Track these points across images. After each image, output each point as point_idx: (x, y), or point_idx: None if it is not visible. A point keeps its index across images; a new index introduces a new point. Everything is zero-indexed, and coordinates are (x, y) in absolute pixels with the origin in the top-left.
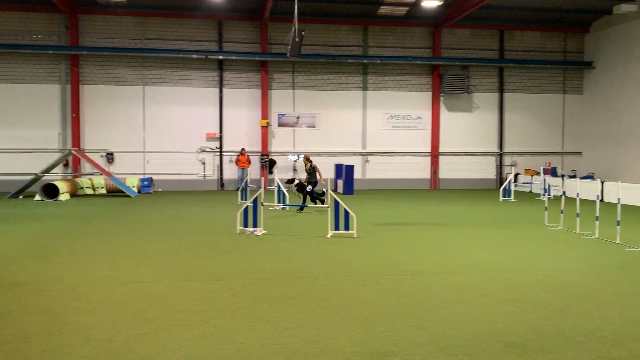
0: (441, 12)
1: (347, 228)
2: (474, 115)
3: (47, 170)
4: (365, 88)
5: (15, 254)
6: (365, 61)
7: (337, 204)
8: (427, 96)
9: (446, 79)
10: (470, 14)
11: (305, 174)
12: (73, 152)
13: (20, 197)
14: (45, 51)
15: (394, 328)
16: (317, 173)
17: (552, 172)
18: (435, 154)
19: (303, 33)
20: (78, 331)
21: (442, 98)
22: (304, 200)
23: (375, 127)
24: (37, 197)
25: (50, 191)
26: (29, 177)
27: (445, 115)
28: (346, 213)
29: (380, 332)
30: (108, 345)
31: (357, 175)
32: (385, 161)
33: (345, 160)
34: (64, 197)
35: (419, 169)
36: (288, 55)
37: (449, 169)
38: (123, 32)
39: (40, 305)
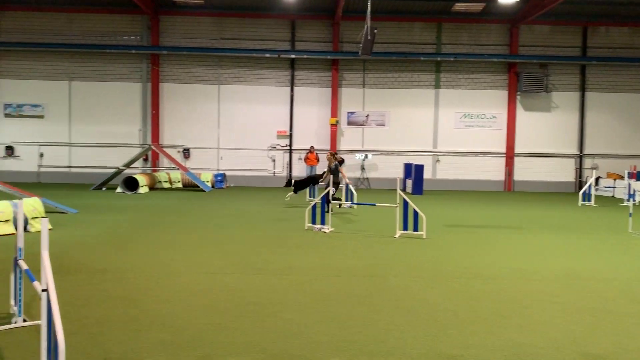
0: (519, 8)
1: (416, 229)
2: (552, 115)
3: (128, 164)
4: (437, 86)
5: (99, 242)
6: (439, 59)
7: (406, 204)
8: (502, 95)
9: (523, 78)
10: (551, 9)
11: (327, 172)
12: (152, 147)
13: (104, 189)
14: (129, 51)
15: (463, 332)
16: (339, 172)
17: (638, 176)
18: (510, 155)
19: (375, 31)
20: (155, 318)
21: (518, 97)
22: (328, 204)
23: (447, 126)
24: (119, 190)
25: (131, 184)
26: (112, 170)
27: (521, 114)
28: (415, 213)
29: (449, 336)
30: (183, 333)
31: (427, 175)
32: (457, 161)
33: (415, 160)
34: (143, 190)
35: (493, 170)
36: (360, 54)
37: (525, 171)
38: (200, 32)
39: (121, 292)
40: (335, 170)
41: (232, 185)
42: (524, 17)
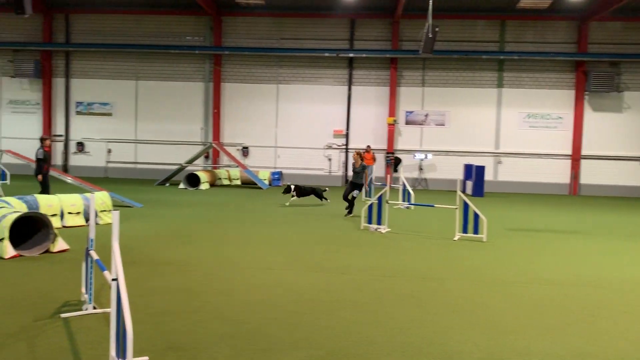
0: (589, 5)
1: (476, 231)
2: (624, 115)
3: (190, 161)
4: (500, 85)
5: (162, 235)
6: (502, 57)
7: (466, 205)
8: (569, 95)
9: (592, 77)
10: (623, 5)
11: (352, 172)
12: (213, 145)
13: (167, 184)
14: (192, 51)
15: (525, 338)
16: (365, 174)
17: None
18: (576, 157)
19: (437, 29)
20: (216, 310)
21: (586, 97)
22: (351, 209)
23: (510, 127)
24: (181, 186)
25: (193, 180)
26: (175, 167)
27: (589, 115)
28: (476, 216)
29: (510, 341)
30: (242, 326)
31: (488, 176)
32: (520, 163)
33: (476, 161)
34: (204, 186)
35: (558, 173)
36: (420, 52)
37: (593, 174)
38: (261, 33)
39: (183, 284)
40: (362, 171)
41: (288, 183)
42: (594, 14)
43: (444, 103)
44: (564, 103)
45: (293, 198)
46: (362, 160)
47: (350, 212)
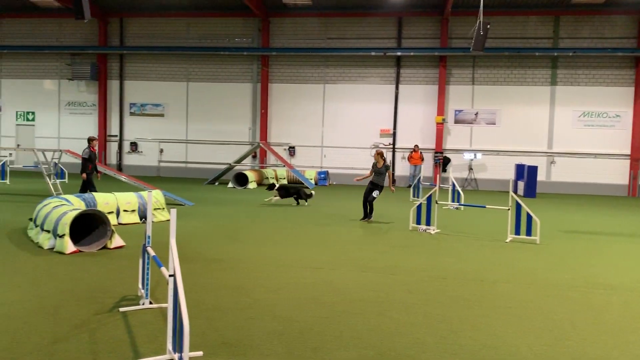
0: None
1: (529, 233)
2: None
3: (238, 161)
4: (554, 83)
5: (213, 233)
6: (556, 54)
7: (518, 206)
8: (628, 92)
9: None
10: None
11: (372, 172)
12: (261, 145)
13: (216, 183)
14: (241, 53)
15: (583, 344)
16: (387, 175)
17: None
18: (636, 158)
19: (488, 26)
20: (266, 308)
21: None
22: (371, 212)
23: (563, 126)
24: (230, 185)
25: (241, 180)
26: (224, 166)
27: None
28: (529, 217)
29: (567, 347)
30: (292, 324)
31: (540, 177)
32: (574, 163)
33: (528, 161)
34: (252, 185)
35: (615, 173)
36: (471, 50)
37: None
38: (308, 33)
39: (234, 281)
40: (384, 171)
41: (334, 183)
42: None
43: (495, 101)
44: (622, 101)
45: (276, 198)
46: (384, 159)
47: (368, 217)
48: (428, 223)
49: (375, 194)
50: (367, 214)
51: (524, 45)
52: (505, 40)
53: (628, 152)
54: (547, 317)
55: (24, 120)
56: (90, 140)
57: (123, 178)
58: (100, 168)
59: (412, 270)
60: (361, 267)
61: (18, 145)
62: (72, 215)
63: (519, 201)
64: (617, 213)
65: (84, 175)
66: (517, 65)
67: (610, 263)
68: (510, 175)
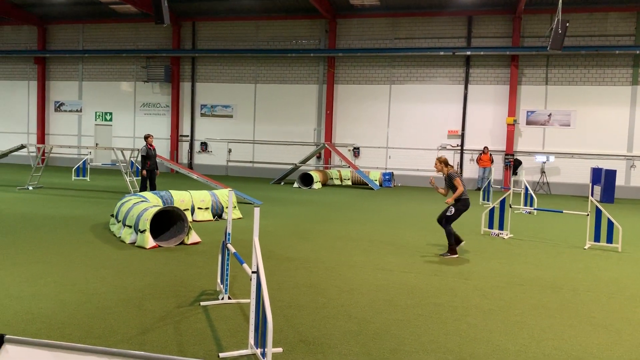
0: None
1: (609, 240)
2: None
3: (304, 161)
4: (635, 82)
5: (283, 232)
6: (638, 52)
7: (598, 212)
8: None
9: None
10: None
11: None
12: (326, 145)
13: (282, 183)
14: (307, 54)
15: None
16: (455, 184)
17: None
18: None
19: (567, 24)
20: (340, 307)
21: None
22: (448, 237)
23: None
24: (295, 185)
25: (306, 180)
26: (289, 167)
27: None
28: (610, 223)
29: None
30: (368, 325)
31: (618, 181)
32: None
33: (605, 164)
34: (317, 185)
35: None
36: (548, 49)
37: None
38: (374, 33)
39: (307, 280)
40: (450, 181)
41: (399, 184)
42: None
43: (570, 102)
44: None
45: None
46: (447, 167)
47: (449, 252)
48: (501, 227)
49: (449, 212)
50: (451, 241)
51: (602, 43)
52: (582, 38)
53: None
54: (636, 329)
55: (102, 120)
56: (146, 137)
57: (195, 176)
58: (172, 166)
59: (487, 275)
60: (433, 270)
61: (97, 144)
62: (152, 211)
63: (599, 206)
64: None
65: (144, 172)
66: (594, 65)
67: None
68: (585, 179)
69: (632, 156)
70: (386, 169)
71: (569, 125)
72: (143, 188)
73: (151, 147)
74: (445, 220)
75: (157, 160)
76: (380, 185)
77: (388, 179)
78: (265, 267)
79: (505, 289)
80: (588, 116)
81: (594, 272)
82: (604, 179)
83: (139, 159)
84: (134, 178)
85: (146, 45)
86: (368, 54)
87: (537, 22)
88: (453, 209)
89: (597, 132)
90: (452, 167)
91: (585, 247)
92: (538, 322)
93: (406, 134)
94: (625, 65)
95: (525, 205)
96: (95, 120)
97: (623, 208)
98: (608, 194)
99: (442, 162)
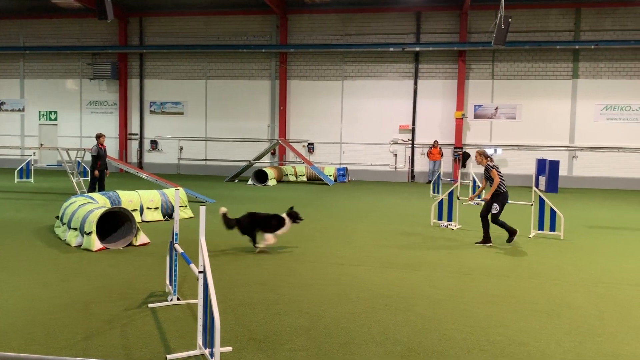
0: None
1: (552, 229)
2: None
3: (258, 158)
4: (575, 76)
5: (236, 230)
6: (577, 47)
7: (542, 201)
8: None
9: None
10: None
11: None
12: (280, 142)
13: (236, 180)
14: (259, 50)
15: (613, 340)
16: (492, 176)
17: None
18: None
19: (510, 20)
20: (292, 303)
21: None
22: (508, 229)
23: (585, 119)
24: (250, 182)
25: (261, 177)
26: (243, 164)
27: None
28: (552, 212)
29: (596, 343)
30: (319, 319)
31: (562, 171)
32: (597, 157)
33: (549, 155)
34: (271, 182)
35: (639, 168)
36: (492, 44)
37: None
38: (326, 29)
39: (259, 277)
40: (488, 174)
41: (353, 179)
42: None
43: (515, 96)
44: None
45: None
46: (486, 159)
47: (486, 241)
48: (450, 219)
49: (494, 208)
50: (486, 236)
51: (544, 38)
52: (526, 33)
53: None
54: (575, 313)
55: (46, 119)
56: (98, 137)
57: (144, 176)
58: (121, 166)
59: (436, 266)
60: (384, 263)
61: (41, 144)
62: (98, 213)
63: (543, 196)
64: None
65: (96, 172)
66: (537, 59)
67: (636, 258)
68: (531, 170)
69: (574, 147)
70: (340, 164)
71: (515, 118)
72: (92, 189)
73: (102, 147)
74: (493, 218)
75: (106, 160)
76: (335, 180)
77: (342, 174)
78: (216, 265)
79: (454, 278)
80: (532, 109)
81: (538, 259)
82: (548, 169)
83: (90, 159)
84: (81, 179)
85: (92, 41)
86: (320, 50)
87: (482, 18)
88: (497, 206)
89: (541, 124)
90: (491, 159)
91: (530, 236)
92: (484, 310)
93: (359, 129)
94: (566, 60)
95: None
96: (40, 119)
97: (566, 197)
98: (552, 184)
99: (482, 155)
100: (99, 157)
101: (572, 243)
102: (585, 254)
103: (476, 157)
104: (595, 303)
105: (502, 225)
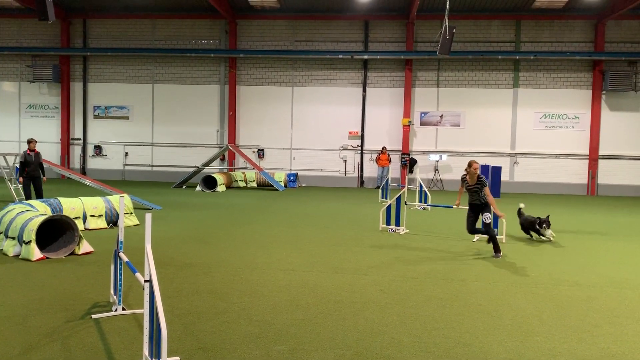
0: (605, 3)
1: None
2: None
3: (207, 164)
4: (516, 85)
5: (183, 237)
6: (517, 57)
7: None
8: (586, 94)
9: (609, 76)
10: None
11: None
12: (229, 147)
13: (184, 187)
14: (208, 55)
15: (551, 339)
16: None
17: None
18: (594, 157)
19: (454, 30)
20: (241, 311)
21: (604, 96)
22: (495, 244)
23: (526, 127)
24: (198, 188)
25: (209, 182)
26: (192, 169)
27: (607, 115)
28: (495, 217)
29: (536, 342)
30: (269, 327)
31: (504, 177)
32: (537, 163)
33: (492, 161)
34: (220, 188)
35: (575, 173)
36: (437, 53)
37: (610, 174)
38: (275, 35)
39: (208, 286)
40: (480, 187)
41: (304, 185)
42: (610, 12)
43: (459, 104)
44: (581, 103)
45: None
46: (473, 168)
47: (495, 250)
48: (397, 223)
49: (485, 217)
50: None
51: (487, 48)
52: (469, 43)
53: (587, 152)
54: (516, 313)
55: None
56: (28, 142)
57: (88, 182)
58: (63, 172)
59: (384, 270)
60: (334, 268)
61: None
62: (38, 221)
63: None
64: (577, 211)
65: (21, 179)
66: (480, 69)
67: (573, 260)
68: None
69: (515, 153)
70: (291, 169)
71: (459, 125)
72: (27, 196)
73: (31, 153)
74: (486, 226)
75: (44, 166)
76: (285, 186)
77: (293, 179)
78: (163, 274)
79: (401, 282)
80: (476, 117)
81: (481, 262)
82: (490, 175)
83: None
84: (19, 185)
85: (32, 42)
86: (269, 56)
87: (428, 27)
88: (489, 214)
89: (484, 131)
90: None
91: (474, 240)
92: (431, 313)
93: (309, 135)
94: (507, 69)
95: (420, 201)
96: None
97: (507, 202)
98: (495, 189)
99: (472, 167)
100: (26, 163)
101: (513, 246)
102: (524, 256)
103: (474, 167)
104: (534, 304)
105: (489, 234)
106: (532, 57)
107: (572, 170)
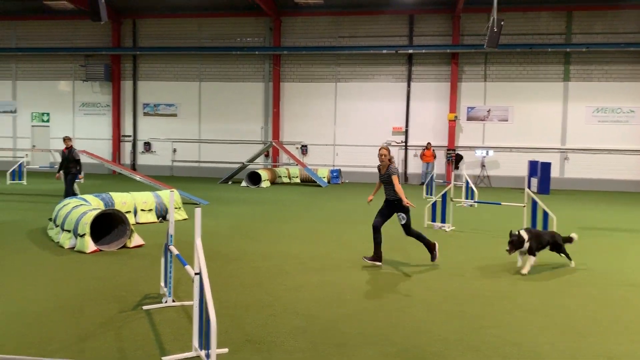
0: None
1: (545, 230)
2: None
3: (251, 160)
4: (567, 79)
5: (230, 232)
6: (568, 50)
7: (534, 203)
8: None
9: None
10: None
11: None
12: (273, 143)
13: (230, 182)
14: (253, 52)
15: (606, 341)
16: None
17: None
18: None
19: (502, 23)
20: (287, 305)
21: None
22: (427, 244)
23: (577, 122)
24: (243, 184)
25: (254, 178)
26: (237, 166)
27: None
28: (545, 214)
29: (589, 344)
30: (315, 321)
31: (554, 173)
32: (588, 159)
33: (541, 157)
34: (265, 184)
35: (630, 169)
36: (485, 47)
37: None
38: (319, 32)
39: (254, 279)
40: (388, 177)
41: (346, 181)
42: None
43: (507, 98)
44: (636, 96)
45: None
46: (390, 162)
47: (376, 258)
48: (443, 221)
49: (400, 219)
50: (377, 253)
51: (536, 41)
52: (518, 36)
53: None
54: (567, 313)
55: (39, 121)
56: (63, 140)
57: (138, 177)
58: (115, 167)
59: (430, 267)
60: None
61: (34, 146)
62: (92, 214)
63: (535, 198)
64: (634, 209)
65: (57, 175)
66: (529, 62)
67: (629, 260)
68: (523, 172)
69: (566, 149)
70: (334, 166)
71: (507, 120)
72: (65, 192)
73: (65, 151)
74: (405, 227)
75: (81, 163)
76: (329, 182)
77: (336, 175)
78: (211, 268)
79: (448, 280)
80: (524, 111)
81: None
82: (540, 171)
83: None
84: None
85: (84, 43)
86: (313, 52)
87: (475, 20)
88: (404, 215)
89: (533, 126)
90: (390, 157)
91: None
92: (478, 311)
93: (352, 131)
94: (557, 63)
95: (467, 198)
96: (32, 121)
97: (558, 199)
98: (544, 186)
99: (385, 151)
100: (62, 160)
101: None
102: (577, 256)
103: (382, 151)
104: (588, 304)
105: (416, 234)
106: (584, 50)
107: (626, 166)
